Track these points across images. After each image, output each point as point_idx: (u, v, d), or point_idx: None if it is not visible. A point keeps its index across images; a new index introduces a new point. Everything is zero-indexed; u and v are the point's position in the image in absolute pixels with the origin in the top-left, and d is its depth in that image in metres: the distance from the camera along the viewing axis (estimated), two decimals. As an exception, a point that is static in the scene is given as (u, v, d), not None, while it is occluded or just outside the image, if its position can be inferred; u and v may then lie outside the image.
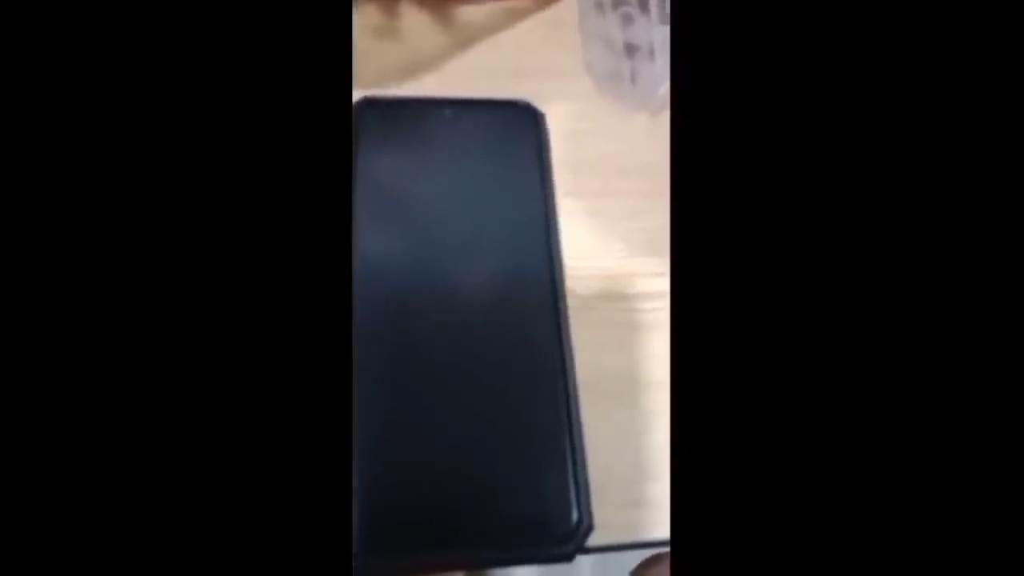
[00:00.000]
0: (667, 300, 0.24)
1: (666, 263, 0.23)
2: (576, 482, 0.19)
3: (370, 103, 0.26)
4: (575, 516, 0.19)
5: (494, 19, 0.31)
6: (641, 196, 0.26)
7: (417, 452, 0.19)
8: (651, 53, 0.26)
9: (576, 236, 0.25)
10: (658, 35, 0.26)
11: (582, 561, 0.19)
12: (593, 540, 0.19)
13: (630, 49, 0.27)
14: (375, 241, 0.23)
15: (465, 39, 0.30)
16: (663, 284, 0.25)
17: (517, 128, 0.26)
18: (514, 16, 0.31)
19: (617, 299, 0.24)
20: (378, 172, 0.24)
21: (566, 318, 0.22)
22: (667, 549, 0.22)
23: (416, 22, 0.30)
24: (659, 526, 0.21)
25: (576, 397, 0.21)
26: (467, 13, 0.31)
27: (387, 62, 0.29)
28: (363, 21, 0.30)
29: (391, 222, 0.23)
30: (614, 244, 0.25)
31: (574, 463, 0.19)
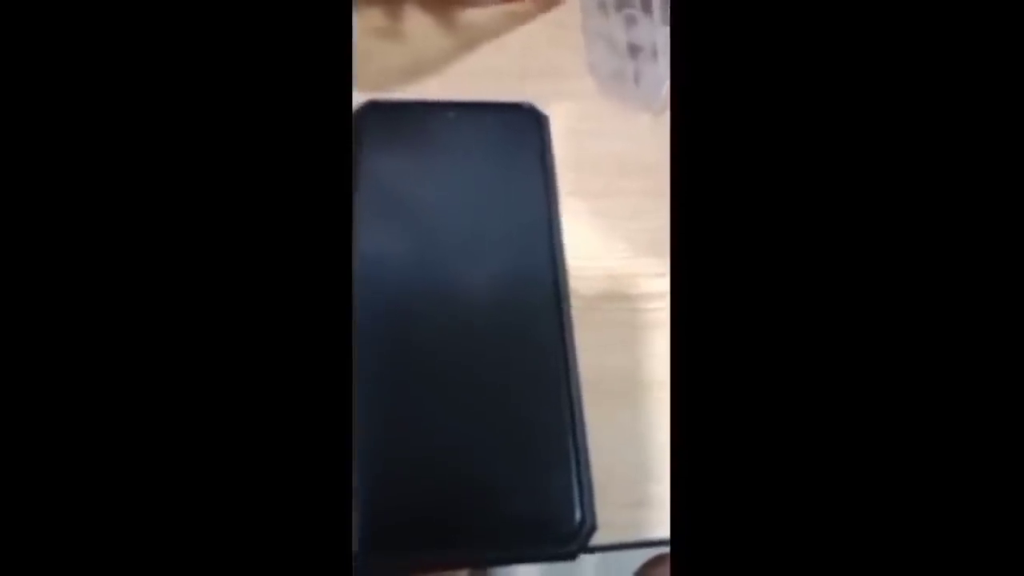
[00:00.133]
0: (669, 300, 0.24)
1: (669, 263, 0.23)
2: (579, 482, 0.19)
3: (374, 106, 0.26)
4: (578, 515, 0.19)
5: (497, 21, 0.31)
6: (644, 196, 0.26)
7: (421, 451, 0.19)
8: (654, 54, 0.26)
9: (579, 236, 0.25)
10: (661, 36, 0.26)
11: (585, 560, 0.19)
12: (596, 540, 0.19)
13: (633, 50, 0.27)
14: (380, 243, 0.23)
15: (468, 41, 0.30)
16: (666, 284, 0.25)
17: (520, 130, 0.26)
18: (517, 18, 0.31)
19: (620, 299, 0.24)
20: (382, 174, 0.24)
21: (569, 318, 0.22)
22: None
23: (419, 24, 0.30)
24: (662, 526, 0.21)
25: (579, 397, 0.21)
26: (470, 15, 0.31)
27: (390, 64, 0.29)
28: (367, 23, 0.30)
29: (396, 224, 0.23)
30: (617, 244, 0.25)
31: (577, 463, 0.19)
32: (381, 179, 0.24)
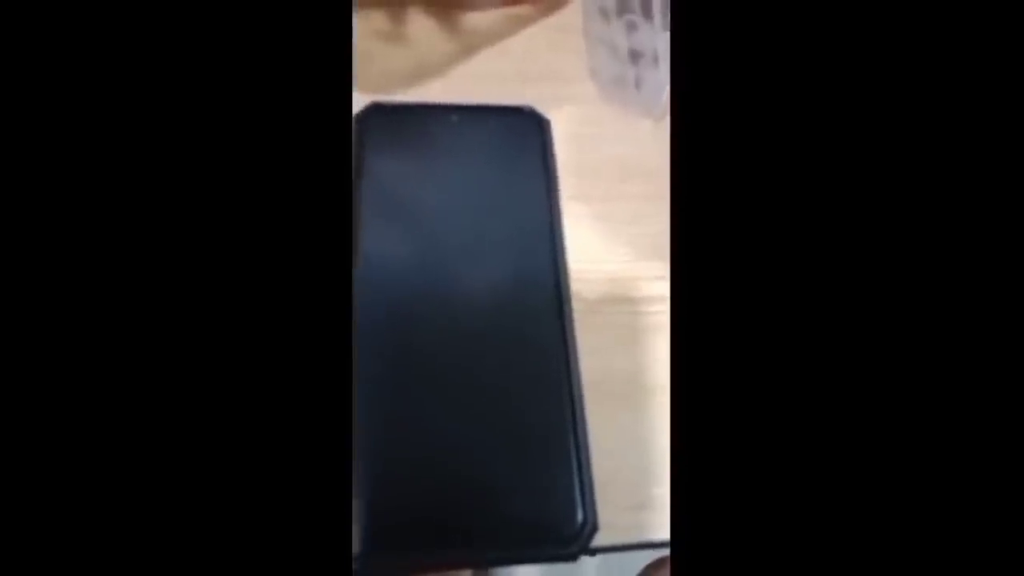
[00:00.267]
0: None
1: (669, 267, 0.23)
2: (581, 483, 0.19)
3: (377, 109, 0.26)
4: (580, 517, 0.19)
5: (499, 25, 0.31)
6: (645, 200, 0.26)
7: (423, 452, 0.19)
8: (655, 59, 0.27)
9: (581, 240, 0.25)
10: (662, 42, 0.26)
11: (587, 562, 0.19)
12: (598, 541, 0.19)
13: (634, 55, 0.27)
14: (382, 244, 0.23)
15: (471, 45, 0.30)
16: (667, 287, 0.25)
17: (522, 134, 0.26)
18: (519, 22, 0.31)
19: (622, 302, 0.25)
20: (385, 177, 0.24)
21: (571, 321, 0.22)
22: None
23: (422, 28, 0.30)
24: (664, 528, 0.21)
25: (581, 399, 0.21)
26: (473, 19, 0.31)
27: (393, 67, 0.29)
28: (370, 27, 0.30)
29: (399, 226, 0.23)
30: (618, 248, 0.26)
31: (579, 464, 0.20)
32: (384, 181, 0.24)
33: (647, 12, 0.26)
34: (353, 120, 0.26)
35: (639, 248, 0.26)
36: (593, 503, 0.19)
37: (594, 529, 0.19)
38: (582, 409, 0.21)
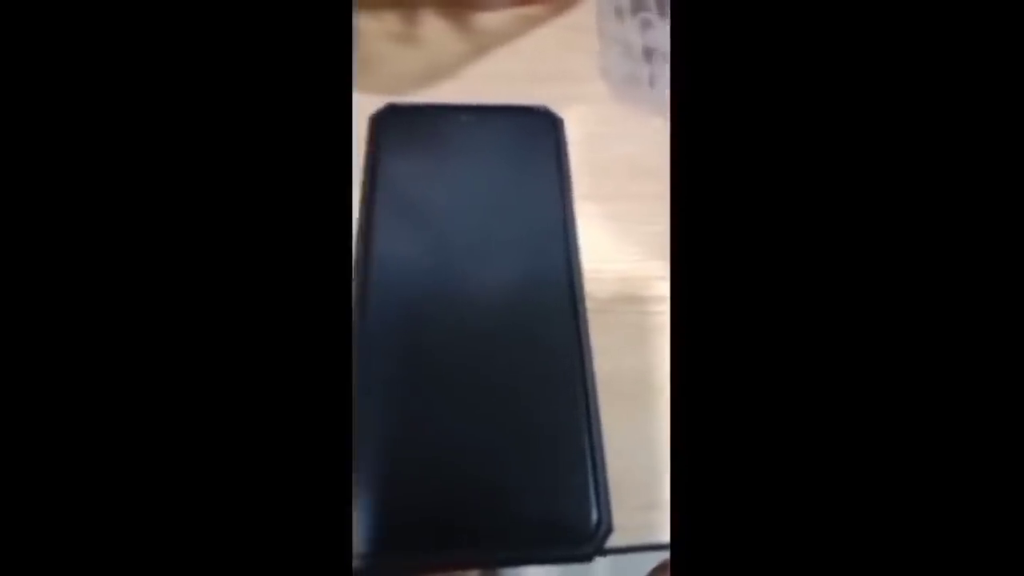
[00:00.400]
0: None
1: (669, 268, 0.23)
2: (595, 483, 0.19)
3: (393, 110, 0.26)
4: (595, 517, 0.19)
5: (512, 25, 0.31)
6: (657, 199, 0.26)
7: (437, 452, 0.20)
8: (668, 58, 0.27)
9: (593, 239, 0.25)
10: (676, 40, 0.26)
11: (597, 563, 0.19)
12: (609, 542, 0.19)
13: (648, 53, 0.27)
14: (397, 245, 0.23)
15: (483, 45, 0.30)
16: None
17: (536, 133, 0.26)
18: (531, 22, 0.31)
19: (634, 302, 0.25)
20: (400, 177, 0.25)
21: (585, 321, 0.22)
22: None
23: (435, 29, 0.31)
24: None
25: (595, 399, 0.21)
26: (485, 19, 0.31)
27: (406, 68, 0.29)
28: (383, 28, 0.30)
29: (413, 226, 0.24)
30: (631, 247, 0.26)
31: (593, 465, 0.20)
32: (398, 182, 0.25)
33: (661, 9, 0.26)
34: (368, 121, 0.26)
35: (651, 247, 0.26)
36: (608, 503, 0.19)
37: (609, 530, 0.19)
38: (596, 409, 0.21)
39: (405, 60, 0.30)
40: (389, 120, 0.26)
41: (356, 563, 0.18)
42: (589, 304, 0.23)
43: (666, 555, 0.23)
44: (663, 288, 0.25)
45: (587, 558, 0.18)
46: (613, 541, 0.19)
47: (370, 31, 0.30)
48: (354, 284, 0.22)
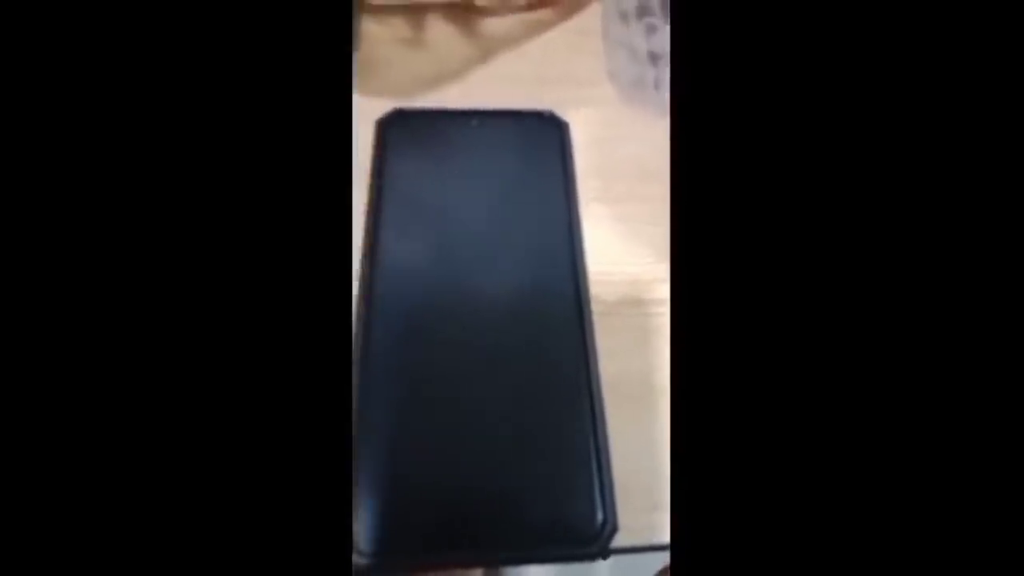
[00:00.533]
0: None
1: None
2: (601, 483, 0.19)
3: (399, 114, 0.26)
4: (600, 517, 0.19)
5: (518, 29, 0.31)
6: (665, 202, 0.26)
7: (444, 452, 0.20)
8: (674, 61, 0.27)
9: (601, 242, 0.25)
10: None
11: (601, 565, 0.19)
12: (614, 542, 0.19)
13: (653, 57, 0.27)
14: (404, 249, 0.23)
15: (490, 49, 0.30)
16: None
17: (542, 137, 0.26)
18: (538, 26, 0.31)
19: (642, 304, 0.25)
20: (406, 182, 0.25)
21: (591, 323, 0.22)
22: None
23: (442, 33, 0.31)
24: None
25: (601, 401, 0.21)
26: (492, 24, 0.31)
27: (413, 73, 0.30)
28: (390, 32, 0.31)
29: (420, 230, 0.24)
30: (639, 249, 0.26)
31: (599, 465, 0.20)
32: (405, 186, 0.25)
33: (666, 14, 0.26)
34: (375, 126, 0.26)
35: (659, 249, 0.26)
36: (613, 504, 0.19)
37: (614, 530, 0.19)
38: (602, 411, 0.21)
39: (412, 64, 0.30)
40: (396, 124, 0.26)
41: (369, 561, 0.18)
42: (597, 307, 0.23)
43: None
44: (669, 291, 0.25)
45: (592, 558, 0.18)
46: (618, 541, 0.19)
47: (377, 35, 0.30)
48: (361, 286, 0.22)
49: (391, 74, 0.29)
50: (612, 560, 0.19)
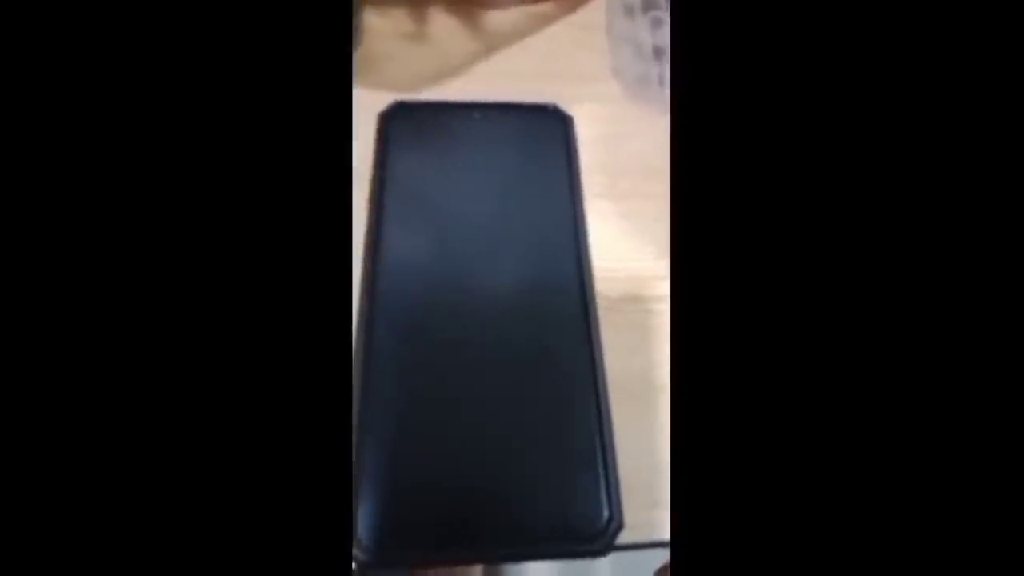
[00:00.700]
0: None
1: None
2: (607, 481, 0.19)
3: (401, 107, 0.26)
4: (606, 514, 0.19)
5: (522, 23, 0.31)
6: (669, 198, 0.26)
7: (450, 449, 0.20)
8: (679, 56, 0.27)
9: (606, 238, 0.25)
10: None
11: (602, 562, 0.19)
12: (619, 539, 0.19)
13: (659, 53, 0.27)
14: (407, 243, 0.23)
15: (494, 43, 0.30)
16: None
17: (546, 131, 0.26)
18: (542, 20, 0.31)
19: (647, 300, 0.25)
20: (409, 175, 0.25)
21: (596, 320, 0.22)
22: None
23: (445, 27, 0.31)
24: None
25: (607, 398, 0.21)
26: (496, 18, 0.31)
27: (417, 67, 0.29)
28: (393, 26, 0.30)
29: (422, 224, 0.24)
30: (645, 246, 0.26)
31: (605, 462, 0.20)
32: (408, 179, 0.25)
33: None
34: (378, 119, 0.26)
35: (664, 246, 0.26)
36: (619, 501, 0.19)
37: (619, 526, 0.19)
38: (607, 407, 0.21)
39: (415, 58, 0.30)
40: (398, 118, 0.26)
41: (370, 557, 0.18)
42: (602, 303, 0.23)
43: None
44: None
45: (598, 554, 0.18)
46: (619, 538, 0.19)
47: (380, 29, 0.30)
48: (363, 282, 0.22)
49: (393, 68, 0.29)
50: (613, 557, 0.19)
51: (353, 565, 0.18)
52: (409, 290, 0.22)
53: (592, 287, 0.23)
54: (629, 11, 0.27)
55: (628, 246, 0.25)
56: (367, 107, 0.26)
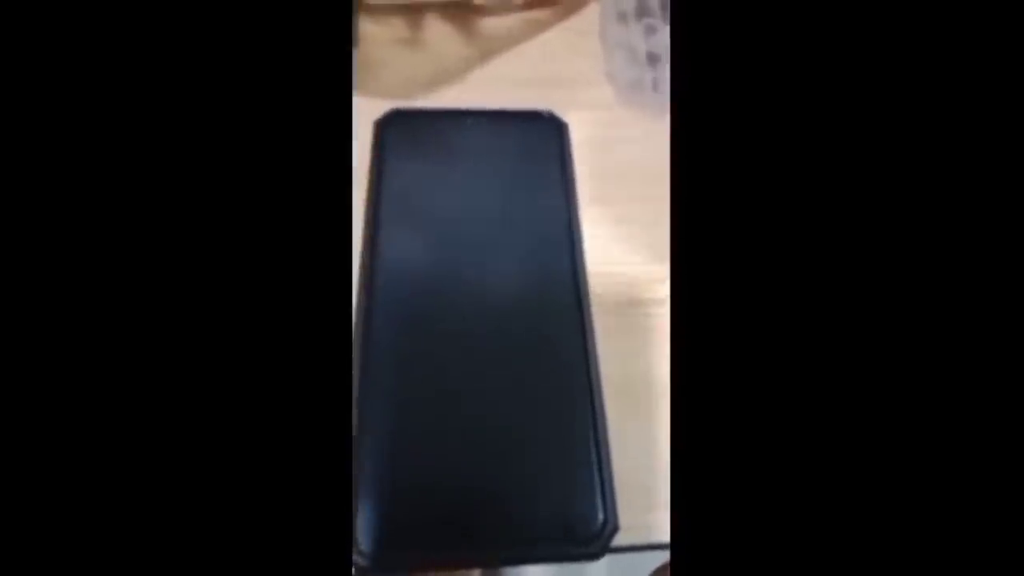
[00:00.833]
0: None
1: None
2: (602, 483, 0.19)
3: (397, 114, 0.26)
4: (601, 517, 0.19)
5: (517, 29, 0.31)
6: (664, 202, 0.26)
7: (444, 451, 0.20)
8: (672, 62, 0.27)
9: (600, 243, 0.25)
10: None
11: (598, 564, 0.19)
12: (614, 541, 0.19)
13: (652, 58, 0.27)
14: (402, 249, 0.23)
15: (488, 50, 0.30)
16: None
17: (540, 138, 0.26)
18: (536, 26, 0.31)
19: (642, 304, 0.25)
20: (405, 182, 0.25)
21: (591, 324, 0.22)
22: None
23: (440, 33, 0.31)
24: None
25: (601, 401, 0.21)
26: (490, 24, 0.31)
27: (411, 73, 0.30)
28: (388, 33, 0.31)
29: (418, 231, 0.24)
30: (638, 251, 0.26)
31: (600, 465, 0.20)
32: (404, 186, 0.25)
33: (666, 15, 0.26)
34: (373, 126, 0.26)
35: (658, 251, 0.26)
36: (614, 503, 0.19)
37: (615, 529, 0.19)
38: (603, 411, 0.21)
39: (410, 65, 0.30)
40: (394, 125, 0.26)
41: (369, 560, 0.18)
42: (597, 307, 0.23)
43: (668, 555, 0.23)
44: (668, 291, 0.25)
45: (593, 557, 0.19)
46: (617, 540, 0.19)
47: (375, 36, 0.30)
48: (360, 286, 0.22)
49: (389, 74, 0.29)
50: (610, 559, 0.19)
51: (352, 571, 0.18)
52: (406, 298, 0.22)
53: (587, 293, 0.23)
54: (623, 17, 0.27)
55: (621, 251, 0.26)
56: (363, 113, 0.26)
